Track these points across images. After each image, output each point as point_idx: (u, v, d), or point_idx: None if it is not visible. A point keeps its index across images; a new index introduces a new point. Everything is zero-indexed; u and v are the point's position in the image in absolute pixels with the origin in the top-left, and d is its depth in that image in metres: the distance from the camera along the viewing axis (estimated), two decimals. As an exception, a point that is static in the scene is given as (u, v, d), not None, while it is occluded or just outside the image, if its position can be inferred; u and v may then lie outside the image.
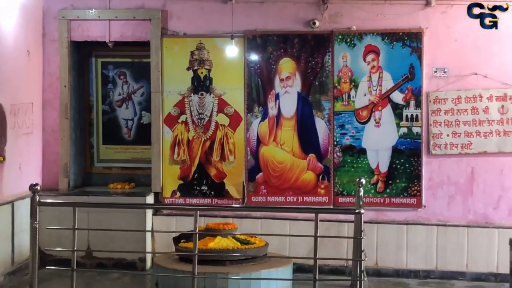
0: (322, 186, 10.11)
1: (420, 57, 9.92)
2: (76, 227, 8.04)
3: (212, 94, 10.30)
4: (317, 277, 7.99)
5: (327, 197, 10.09)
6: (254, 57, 10.22)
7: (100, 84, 11.10)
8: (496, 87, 9.82)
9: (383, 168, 10.03)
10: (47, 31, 10.58)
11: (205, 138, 10.32)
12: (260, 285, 8.58)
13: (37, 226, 7.87)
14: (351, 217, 9.25)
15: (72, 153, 10.64)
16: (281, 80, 10.18)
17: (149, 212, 10.22)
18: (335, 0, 10.04)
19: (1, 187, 9.25)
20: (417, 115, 9.96)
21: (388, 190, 10.02)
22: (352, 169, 10.06)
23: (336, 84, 10.08)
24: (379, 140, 10.04)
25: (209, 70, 10.30)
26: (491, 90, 9.83)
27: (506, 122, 9.81)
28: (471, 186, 9.93)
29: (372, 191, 10.01)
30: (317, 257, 7.98)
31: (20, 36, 9.83)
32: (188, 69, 10.33)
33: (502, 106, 9.82)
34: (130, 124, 11.10)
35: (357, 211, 8.63)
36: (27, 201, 8.20)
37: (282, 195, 10.18)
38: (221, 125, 10.30)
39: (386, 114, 10.01)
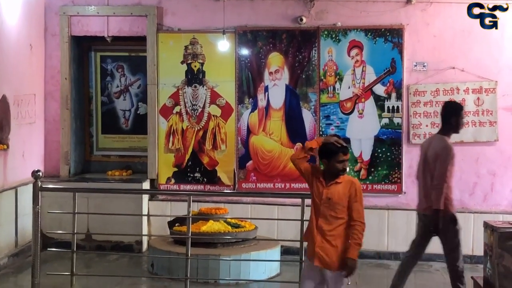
0: (309, 173, 10.11)
1: (401, 52, 9.94)
2: (76, 212, 8.05)
3: (205, 86, 10.30)
4: (303, 259, 8.02)
5: (313, 184, 10.10)
6: (244, 51, 10.21)
7: (99, 77, 11.09)
8: (472, 80, 9.85)
9: (366, 157, 10.06)
10: (48, 26, 10.55)
11: (198, 128, 10.32)
12: (249, 266, 8.63)
13: (39, 210, 7.88)
14: (336, 202, 9.26)
15: (72, 142, 10.62)
16: (270, 73, 10.18)
17: (145, 198, 10.22)
18: (321, -2, 10.06)
19: (5, 173, 9.23)
20: (398, 107, 9.99)
21: (370, 177, 10.05)
22: (337, 158, 10.07)
23: (322, 77, 10.09)
24: (362, 130, 10.06)
25: (202, 64, 10.29)
26: (468, 83, 9.86)
27: (482, 114, 9.85)
28: (448, 173, 9.96)
29: (355, 178, 10.02)
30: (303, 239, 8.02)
31: (23, 31, 9.80)
32: (182, 62, 10.32)
33: (478, 98, 9.86)
34: (128, 115, 11.09)
35: (341, 196, 8.66)
36: (30, 187, 8.18)
37: (271, 181, 10.20)
38: (214, 115, 10.30)
39: (369, 105, 10.03)
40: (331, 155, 5.78)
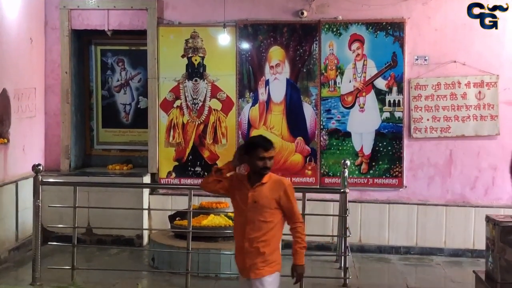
0: (309, 167, 10.11)
1: (402, 46, 9.90)
2: (76, 205, 8.05)
3: (205, 80, 10.26)
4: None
5: (314, 178, 10.09)
6: (245, 45, 10.17)
7: (100, 71, 11.05)
8: (473, 74, 9.82)
9: (367, 151, 10.03)
10: (49, 20, 10.51)
11: (199, 122, 10.29)
12: (250, 260, 8.59)
13: (40, 204, 7.89)
14: (337, 196, 9.25)
15: (73, 135, 10.59)
16: (271, 67, 10.15)
17: (146, 192, 10.20)
18: (322, -9, 10.03)
19: (6, 167, 9.21)
20: (399, 101, 9.96)
21: (371, 171, 10.02)
22: (338, 152, 10.06)
23: (323, 71, 10.05)
24: (363, 124, 10.03)
25: (202, 58, 10.25)
26: (469, 77, 9.83)
27: (483, 107, 9.81)
28: (449, 167, 9.95)
29: (357, 172, 10.01)
30: (304, 234, 7.99)
31: (23, 25, 9.76)
32: (182, 56, 10.28)
33: (479, 92, 9.82)
34: (128, 109, 11.06)
35: (342, 190, 8.66)
36: (30, 180, 8.18)
37: (272, 175, 10.15)
38: (214, 109, 10.26)
39: (370, 99, 10.00)
40: (251, 151, 5.37)
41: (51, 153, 10.56)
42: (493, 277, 6.49)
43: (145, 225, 10.02)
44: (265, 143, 5.43)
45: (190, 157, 10.30)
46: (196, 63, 10.27)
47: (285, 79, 10.12)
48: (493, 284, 6.44)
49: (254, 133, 10.14)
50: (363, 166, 10.03)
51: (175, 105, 10.30)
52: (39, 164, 7.95)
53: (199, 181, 10.19)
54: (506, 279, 6.36)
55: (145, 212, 10.09)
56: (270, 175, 5.47)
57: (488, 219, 6.68)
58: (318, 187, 10.05)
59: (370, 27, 9.95)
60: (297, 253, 5.45)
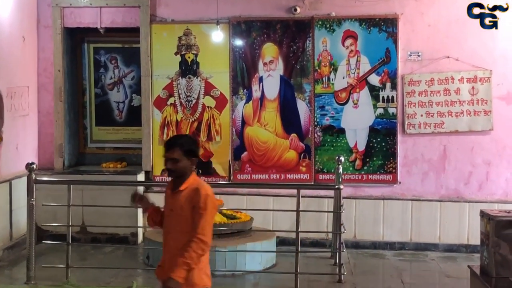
0: (304, 164, 10.11)
1: (395, 42, 9.91)
2: (70, 204, 8.04)
3: (199, 77, 10.25)
4: (299, 249, 8.04)
5: (308, 175, 10.10)
6: (238, 42, 10.17)
7: (93, 69, 11.02)
8: (467, 70, 9.84)
9: (361, 147, 10.04)
10: (41, 18, 10.48)
11: (193, 120, 10.29)
12: (245, 257, 8.62)
13: (34, 203, 7.87)
14: (331, 193, 9.28)
15: (66, 134, 10.57)
16: (265, 64, 10.14)
17: (140, 190, 10.17)
18: (315, -13, 10.02)
19: (0, 166, 9.19)
20: (392, 97, 9.97)
21: (365, 168, 10.04)
22: (332, 148, 10.07)
23: (317, 68, 10.06)
24: (357, 120, 10.04)
25: (196, 55, 10.25)
26: (462, 73, 9.85)
27: (476, 103, 9.84)
28: (443, 163, 9.98)
29: (351, 168, 10.02)
30: (299, 230, 8.03)
31: (15, 23, 9.73)
32: (176, 54, 10.27)
33: (473, 88, 9.84)
34: (122, 107, 11.04)
35: (336, 187, 8.68)
36: (24, 179, 8.17)
37: (266, 173, 10.17)
38: (208, 107, 10.26)
39: (364, 95, 10.01)
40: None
41: (45, 151, 10.54)
42: (488, 272, 6.50)
43: (140, 223, 10.00)
44: (166, 142, 4.90)
45: (184, 154, 10.27)
46: (189, 60, 10.26)
47: (279, 76, 10.12)
48: (488, 278, 6.46)
49: (248, 130, 10.15)
50: (357, 162, 10.04)
51: (168, 103, 10.29)
52: (32, 163, 7.94)
53: (193, 178, 10.21)
54: (501, 273, 6.37)
55: (140, 210, 10.07)
56: (191, 181, 4.85)
57: (483, 214, 6.69)
58: (312, 183, 10.06)
59: (363, 23, 9.96)
60: (177, 265, 4.66)
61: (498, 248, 6.40)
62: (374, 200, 10.02)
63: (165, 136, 10.25)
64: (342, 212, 8.61)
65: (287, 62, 10.09)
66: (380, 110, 9.98)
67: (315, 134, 10.07)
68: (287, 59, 10.09)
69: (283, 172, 10.13)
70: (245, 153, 10.20)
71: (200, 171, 10.14)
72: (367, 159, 10.02)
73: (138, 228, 9.93)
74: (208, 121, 10.25)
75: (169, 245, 4.87)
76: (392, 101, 9.96)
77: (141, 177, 10.19)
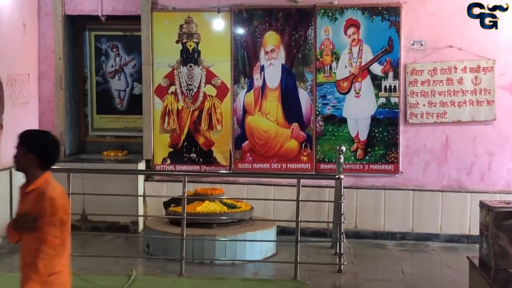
0: (305, 153, 10.12)
1: (398, 31, 9.88)
2: (71, 192, 8.06)
3: (200, 66, 10.25)
4: (299, 239, 8.06)
5: (309, 164, 10.11)
6: (240, 30, 10.15)
7: (94, 56, 11.02)
8: (470, 59, 9.81)
9: (363, 137, 10.03)
10: (42, 5, 10.47)
11: (194, 108, 10.29)
12: (245, 247, 8.65)
13: (33, 191, 7.86)
14: (332, 182, 9.30)
15: (67, 122, 10.59)
16: (266, 52, 10.13)
17: (141, 178, 10.21)
18: (318, -24, 9.98)
19: (0, 154, 9.21)
20: (395, 86, 9.95)
21: (367, 157, 10.04)
22: (333, 138, 10.07)
23: (319, 57, 10.04)
24: (359, 110, 10.03)
25: (197, 43, 10.24)
26: (465, 62, 9.82)
27: (479, 93, 9.82)
28: (445, 153, 9.97)
29: (352, 158, 10.02)
30: (300, 220, 8.06)
31: (16, 10, 9.73)
32: (177, 42, 10.26)
33: (476, 77, 9.82)
34: (123, 95, 11.05)
35: (337, 176, 8.70)
36: (24, 167, 8.17)
37: (267, 162, 10.18)
38: (209, 95, 10.26)
39: (366, 85, 9.99)
40: None
41: (45, 139, 10.53)
42: (486, 263, 6.50)
43: (140, 211, 10.04)
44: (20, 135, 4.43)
45: (185, 143, 10.30)
46: (190, 48, 10.25)
47: (280, 65, 10.11)
48: (487, 270, 6.46)
49: (249, 119, 10.15)
50: (359, 152, 10.04)
51: (169, 91, 10.29)
52: (32, 151, 7.93)
53: (194, 167, 10.25)
54: (500, 265, 6.37)
55: (140, 199, 10.11)
56: (40, 183, 4.25)
57: (482, 204, 6.68)
58: (313, 173, 10.07)
59: (366, 12, 9.93)
60: (28, 279, 4.09)
61: (497, 239, 6.40)
62: (376, 190, 10.02)
63: (166, 124, 10.27)
64: (342, 201, 8.63)
65: (289, 51, 10.08)
66: (382, 100, 9.97)
67: (317, 124, 10.07)
68: (289, 47, 10.07)
69: (284, 162, 10.14)
70: (246, 142, 10.20)
71: (200, 160, 10.19)
72: (369, 149, 10.02)
73: (139, 217, 9.96)
74: (209, 110, 10.25)
75: (22, 251, 4.25)
76: (395, 90, 9.95)
77: (141, 165, 10.21)
